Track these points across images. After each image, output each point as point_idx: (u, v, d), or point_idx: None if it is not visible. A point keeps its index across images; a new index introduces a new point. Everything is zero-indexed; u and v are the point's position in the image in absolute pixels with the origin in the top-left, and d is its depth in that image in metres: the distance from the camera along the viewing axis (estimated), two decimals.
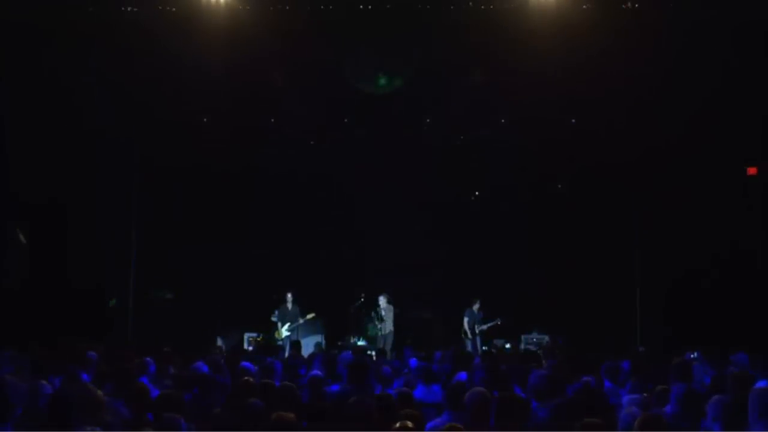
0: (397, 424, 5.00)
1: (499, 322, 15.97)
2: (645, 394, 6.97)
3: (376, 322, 16.34)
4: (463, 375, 8.12)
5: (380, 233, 17.90)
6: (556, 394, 6.74)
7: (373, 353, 12.40)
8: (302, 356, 11.33)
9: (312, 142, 17.47)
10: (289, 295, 16.12)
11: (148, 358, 8.42)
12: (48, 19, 12.89)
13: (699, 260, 14.50)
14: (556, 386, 6.93)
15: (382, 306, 16.36)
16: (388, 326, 16.28)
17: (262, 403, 5.84)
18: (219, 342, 15.57)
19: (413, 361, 9.79)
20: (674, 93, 13.86)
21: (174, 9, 12.97)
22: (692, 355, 9.89)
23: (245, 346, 15.80)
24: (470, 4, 13.19)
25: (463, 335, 16.09)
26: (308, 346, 15.57)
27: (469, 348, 15.52)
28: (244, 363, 8.36)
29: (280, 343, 15.42)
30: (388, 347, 15.60)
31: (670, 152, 14.74)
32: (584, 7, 12.81)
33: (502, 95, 15.02)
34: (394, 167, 17.08)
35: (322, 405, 6.35)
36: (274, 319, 16.27)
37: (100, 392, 6.08)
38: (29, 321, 12.95)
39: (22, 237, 14.01)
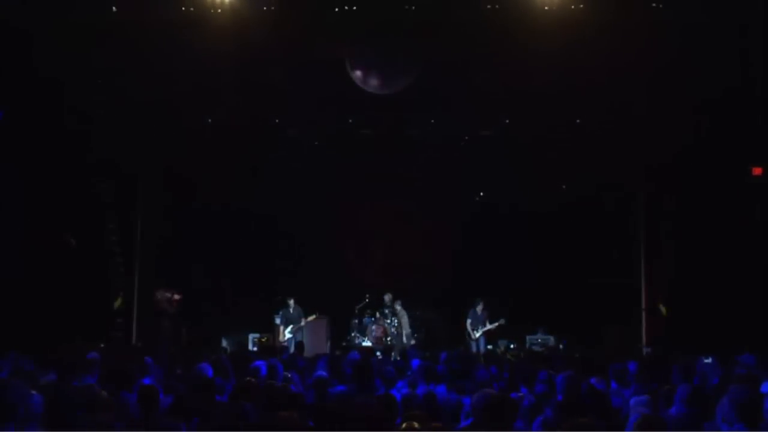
0: (404, 425, 4.97)
1: (502, 322, 15.93)
2: (649, 396, 6.93)
3: (391, 319, 16.43)
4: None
5: (385, 233, 17.92)
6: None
7: (378, 353, 12.41)
8: (305, 356, 11.35)
9: (316, 143, 17.46)
10: (292, 301, 16.14)
11: (149, 359, 8.41)
12: (49, 19, 12.91)
13: (704, 260, 14.46)
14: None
15: (397, 309, 16.53)
16: (402, 329, 16.40)
17: (252, 405, 5.79)
18: (224, 343, 15.59)
19: (415, 362, 9.76)
20: (677, 93, 13.82)
21: (183, 8, 12.97)
22: (706, 360, 9.75)
23: (250, 347, 15.81)
24: (474, 3, 13.18)
25: (467, 336, 16.08)
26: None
27: (473, 349, 15.51)
28: (258, 362, 8.35)
29: (285, 344, 15.47)
30: (397, 348, 15.63)
31: (674, 152, 14.71)
32: (589, 7, 12.78)
33: (505, 96, 14.98)
34: (398, 167, 17.07)
35: (326, 405, 6.34)
36: (277, 321, 16.27)
37: (104, 392, 6.08)
38: (32, 322, 12.94)
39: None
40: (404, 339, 16.33)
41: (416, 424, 4.95)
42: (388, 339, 16.40)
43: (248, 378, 7.16)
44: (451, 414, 6.65)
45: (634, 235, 15.99)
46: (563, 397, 6.61)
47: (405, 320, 16.50)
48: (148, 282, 15.93)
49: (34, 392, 5.60)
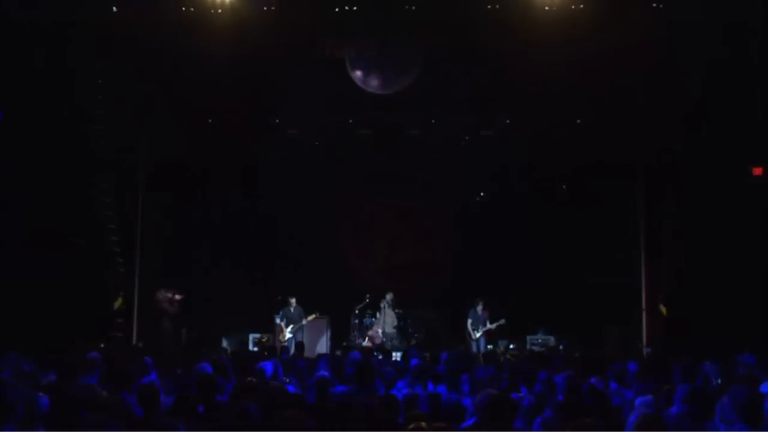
0: (411, 425, 4.95)
1: (502, 322, 15.91)
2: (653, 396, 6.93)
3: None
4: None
5: (385, 233, 17.91)
6: None
7: (379, 354, 12.39)
8: (305, 357, 11.35)
9: (316, 143, 17.46)
10: (293, 300, 16.12)
11: (148, 359, 8.41)
12: (49, 19, 12.92)
13: (704, 260, 14.44)
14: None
15: (383, 306, 16.50)
16: (385, 327, 16.39)
17: (253, 405, 5.79)
18: (224, 343, 15.58)
19: (414, 361, 9.76)
20: (679, 93, 13.81)
21: (183, 8, 12.98)
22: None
23: (250, 347, 15.80)
24: (474, 3, 13.19)
25: (467, 336, 16.06)
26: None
27: (474, 349, 15.50)
28: (263, 364, 8.34)
29: (285, 344, 15.47)
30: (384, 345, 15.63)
31: (674, 152, 14.70)
32: (589, 7, 12.79)
33: (505, 96, 14.99)
34: (398, 167, 17.06)
35: (327, 405, 6.33)
36: (277, 321, 16.26)
37: (104, 392, 6.08)
38: (33, 322, 12.93)
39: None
40: (380, 336, 16.26)
41: (424, 424, 4.93)
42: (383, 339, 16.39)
43: (249, 378, 7.17)
44: (451, 414, 6.65)
45: (634, 235, 15.97)
46: (563, 397, 6.61)
47: (388, 318, 16.44)
48: (148, 282, 15.90)
49: (40, 393, 5.61)
